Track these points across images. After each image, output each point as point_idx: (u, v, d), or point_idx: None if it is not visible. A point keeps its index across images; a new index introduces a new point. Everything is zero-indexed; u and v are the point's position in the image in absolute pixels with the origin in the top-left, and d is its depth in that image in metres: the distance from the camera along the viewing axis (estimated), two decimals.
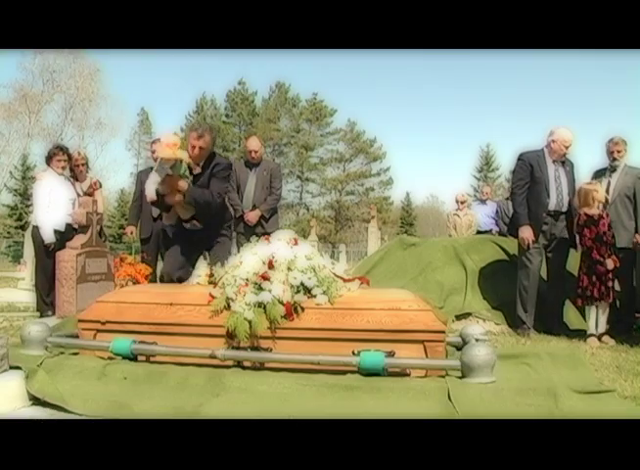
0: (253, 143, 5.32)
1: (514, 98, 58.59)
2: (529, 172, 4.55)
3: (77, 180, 5.38)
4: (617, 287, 4.41)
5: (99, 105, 31.68)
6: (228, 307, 2.69)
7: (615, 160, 4.81)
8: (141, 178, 5.62)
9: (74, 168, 5.39)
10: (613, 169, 4.83)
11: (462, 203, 7.93)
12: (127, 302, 2.95)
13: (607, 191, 4.72)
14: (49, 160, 5.00)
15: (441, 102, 61.35)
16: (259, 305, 2.65)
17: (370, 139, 38.62)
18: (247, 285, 2.70)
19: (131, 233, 5.65)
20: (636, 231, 4.65)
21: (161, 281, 3.82)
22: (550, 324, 4.57)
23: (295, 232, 3.07)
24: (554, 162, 4.58)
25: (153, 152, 5.53)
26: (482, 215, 7.92)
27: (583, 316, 4.59)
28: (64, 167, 5.05)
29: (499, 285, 5.25)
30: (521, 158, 4.66)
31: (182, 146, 3.58)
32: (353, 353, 2.50)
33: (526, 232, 4.49)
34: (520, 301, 4.64)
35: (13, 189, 28.28)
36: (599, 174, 4.97)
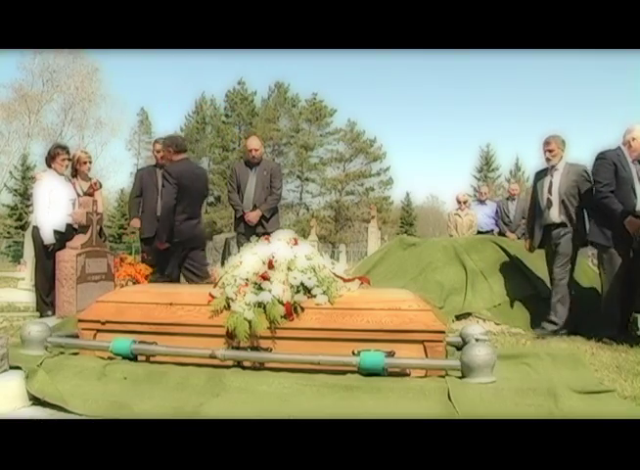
0: (254, 142, 5.31)
1: (514, 98, 58.67)
2: (614, 172, 4.26)
3: (79, 179, 5.37)
4: None
5: (98, 105, 31.77)
6: (228, 307, 2.69)
7: (548, 160, 4.65)
8: (142, 176, 5.58)
9: (79, 167, 5.36)
10: (553, 169, 4.66)
11: (463, 203, 7.92)
12: (127, 302, 2.95)
13: (549, 191, 4.61)
14: (52, 159, 4.97)
15: (441, 102, 61.48)
16: (259, 304, 2.65)
17: (370, 139, 38.65)
18: (247, 285, 2.70)
19: (138, 223, 5.49)
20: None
21: None
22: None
23: (295, 232, 3.07)
24: (633, 161, 4.30)
25: (158, 151, 5.47)
26: (482, 216, 7.91)
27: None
28: (67, 167, 5.06)
29: (499, 285, 5.26)
30: (602, 157, 4.36)
31: None
32: (353, 353, 2.50)
33: (636, 224, 4.08)
34: (611, 307, 4.29)
35: (13, 189, 28.28)
36: (540, 175, 4.81)
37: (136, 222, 5.56)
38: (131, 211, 5.72)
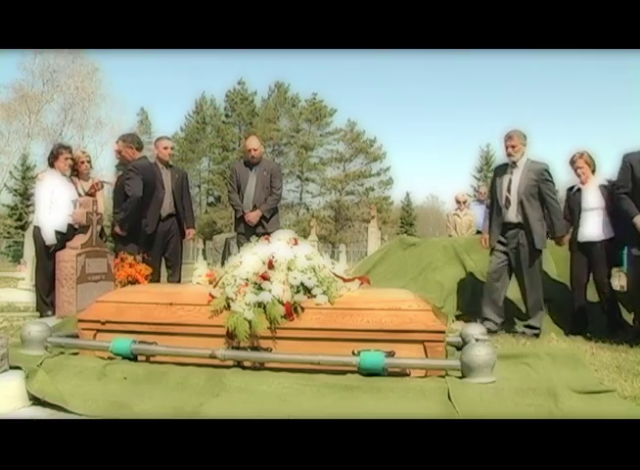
0: (252, 142, 5.31)
1: (514, 98, 58.62)
2: (630, 173, 4.23)
3: (80, 179, 5.37)
4: None
5: (98, 105, 31.70)
6: (228, 307, 2.69)
7: (509, 155, 4.51)
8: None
9: (78, 167, 5.36)
10: (514, 165, 4.53)
11: (462, 203, 7.91)
12: (127, 302, 2.95)
13: (508, 189, 4.51)
14: (54, 159, 4.97)
15: (441, 102, 61.45)
16: (259, 304, 2.65)
17: (370, 139, 38.64)
18: (247, 285, 2.70)
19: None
20: (554, 234, 4.53)
21: None
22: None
23: (295, 232, 3.07)
24: None
25: (165, 148, 5.41)
26: (481, 216, 7.90)
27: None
28: (70, 166, 5.07)
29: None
30: (623, 158, 4.35)
31: None
32: (353, 353, 2.50)
33: None
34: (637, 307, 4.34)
35: (13, 189, 28.24)
36: (500, 172, 4.69)
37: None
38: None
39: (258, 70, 55.62)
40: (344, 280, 2.91)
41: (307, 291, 2.72)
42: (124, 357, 2.72)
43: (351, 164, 39.05)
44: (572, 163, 4.69)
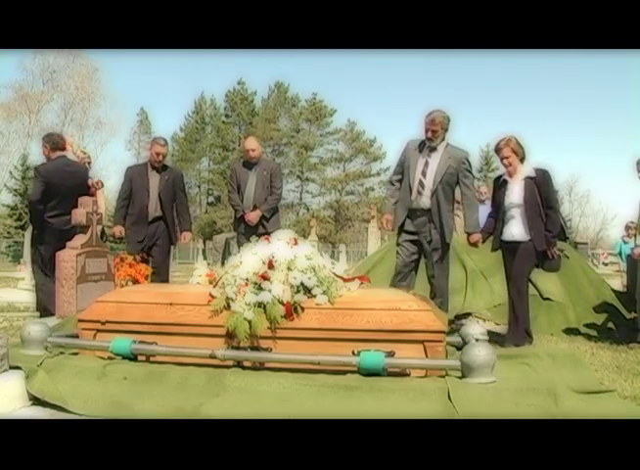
0: (251, 142, 5.31)
1: (514, 98, 58.58)
2: None
3: None
4: None
5: (98, 104, 31.84)
6: (228, 307, 2.69)
7: (429, 139, 4.12)
8: (132, 177, 5.29)
9: None
10: (432, 149, 4.13)
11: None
12: (127, 302, 2.95)
13: (423, 173, 4.11)
14: None
15: (441, 102, 61.30)
16: (259, 304, 2.65)
17: (370, 139, 38.67)
18: (247, 285, 2.70)
19: (120, 233, 5.28)
20: (465, 228, 4.24)
21: None
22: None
23: (295, 232, 3.07)
24: None
25: (157, 154, 5.26)
26: (482, 216, 7.89)
27: None
28: None
29: (499, 285, 5.25)
30: None
31: None
32: (353, 353, 2.50)
33: None
34: None
35: (13, 189, 28.26)
36: (416, 150, 4.23)
37: (118, 230, 5.27)
38: (116, 215, 5.35)
39: (258, 70, 55.63)
40: (344, 280, 2.90)
41: (307, 291, 2.72)
42: (124, 357, 2.72)
43: (351, 164, 39.11)
44: (498, 151, 4.06)
